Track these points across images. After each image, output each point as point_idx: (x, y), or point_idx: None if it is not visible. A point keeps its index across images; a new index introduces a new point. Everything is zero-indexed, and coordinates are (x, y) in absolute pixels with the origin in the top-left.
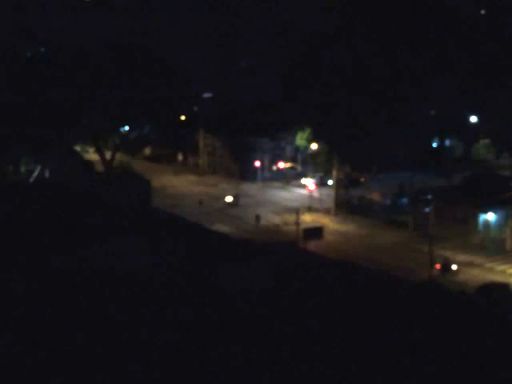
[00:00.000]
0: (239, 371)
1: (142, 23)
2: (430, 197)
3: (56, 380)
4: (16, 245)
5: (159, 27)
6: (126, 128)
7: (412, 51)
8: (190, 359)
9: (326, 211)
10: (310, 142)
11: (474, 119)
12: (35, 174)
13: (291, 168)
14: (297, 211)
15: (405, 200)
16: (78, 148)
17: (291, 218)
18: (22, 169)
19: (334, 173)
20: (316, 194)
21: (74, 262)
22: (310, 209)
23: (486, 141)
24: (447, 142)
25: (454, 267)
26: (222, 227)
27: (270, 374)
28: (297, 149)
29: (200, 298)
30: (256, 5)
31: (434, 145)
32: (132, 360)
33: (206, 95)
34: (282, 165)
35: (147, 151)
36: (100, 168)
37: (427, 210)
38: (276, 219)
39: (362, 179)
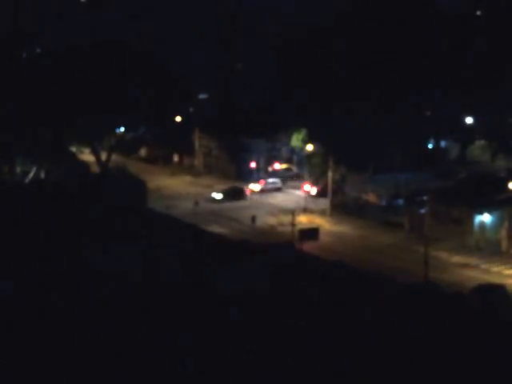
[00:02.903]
0: (237, 370)
1: (139, 23)
2: (425, 198)
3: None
4: (13, 245)
5: (156, 27)
6: (122, 129)
7: (408, 52)
8: (185, 361)
9: (322, 212)
10: (305, 143)
11: (469, 120)
12: (31, 174)
13: (287, 169)
14: (292, 212)
15: (400, 201)
16: (73, 149)
17: (287, 218)
18: (18, 169)
19: (330, 173)
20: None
21: (71, 262)
22: (305, 210)
23: (482, 142)
24: (443, 143)
25: None
26: (217, 228)
27: (267, 373)
28: (292, 150)
29: (197, 298)
30: (254, 4)
31: (430, 146)
32: (129, 360)
33: (202, 96)
34: (277, 166)
35: (143, 152)
36: (95, 169)
37: (423, 211)
38: (272, 220)
39: (248, 191)
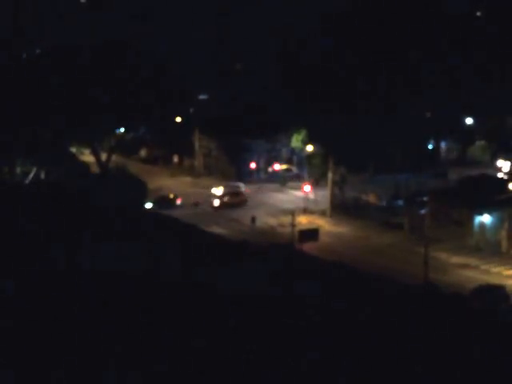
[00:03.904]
0: (237, 370)
1: (139, 23)
2: (425, 198)
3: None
4: (12, 245)
5: (156, 28)
6: (122, 129)
7: (408, 52)
8: (185, 361)
9: (322, 213)
10: (305, 143)
11: (469, 121)
12: (31, 175)
13: (287, 170)
14: (292, 213)
15: (400, 202)
16: (73, 149)
17: (287, 219)
18: (18, 170)
19: (330, 174)
20: (311, 195)
21: (71, 262)
22: (305, 210)
23: (482, 142)
24: (443, 144)
25: None
26: (217, 229)
27: (267, 375)
28: (292, 150)
29: (197, 299)
30: (254, 5)
31: (430, 146)
32: (127, 361)
33: (202, 96)
34: (277, 166)
35: (143, 153)
36: (96, 169)
37: (423, 211)
38: (272, 221)
39: (179, 199)
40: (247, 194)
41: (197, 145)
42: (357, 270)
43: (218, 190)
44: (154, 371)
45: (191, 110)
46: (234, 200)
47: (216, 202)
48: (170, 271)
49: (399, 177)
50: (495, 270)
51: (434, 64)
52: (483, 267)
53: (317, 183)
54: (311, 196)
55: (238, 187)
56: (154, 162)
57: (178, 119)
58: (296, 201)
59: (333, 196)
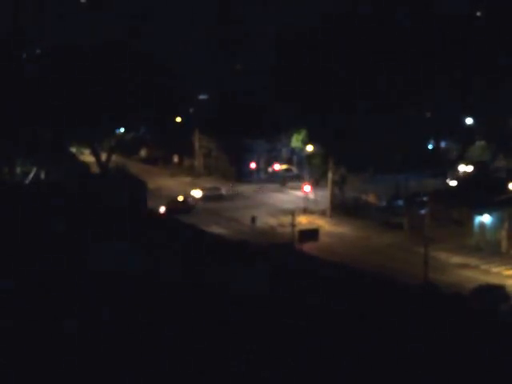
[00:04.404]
0: (236, 372)
1: (139, 23)
2: (425, 199)
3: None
4: (13, 245)
5: (156, 28)
6: (122, 129)
7: (408, 52)
8: (185, 361)
9: (322, 213)
10: (305, 143)
11: (469, 121)
12: (31, 175)
13: (287, 170)
14: (292, 213)
15: (400, 202)
16: (73, 149)
17: (287, 219)
18: (18, 170)
19: (330, 174)
20: (312, 195)
21: (71, 262)
22: (305, 210)
23: (482, 142)
24: (443, 144)
25: None
26: (217, 229)
27: (267, 375)
28: (292, 150)
29: (197, 299)
30: (253, 5)
31: (430, 146)
32: (127, 361)
33: (202, 96)
34: (277, 166)
35: (143, 153)
36: (96, 170)
37: (423, 211)
38: (272, 221)
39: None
40: (248, 194)
41: (197, 145)
42: (357, 270)
43: (197, 192)
44: (154, 371)
45: (191, 110)
46: (180, 207)
47: (162, 209)
48: (170, 271)
49: (399, 177)
50: (495, 270)
51: (434, 64)
52: (483, 267)
53: (317, 183)
54: (311, 196)
55: (218, 189)
56: (154, 162)
57: (178, 119)
58: (296, 201)
59: (333, 196)
